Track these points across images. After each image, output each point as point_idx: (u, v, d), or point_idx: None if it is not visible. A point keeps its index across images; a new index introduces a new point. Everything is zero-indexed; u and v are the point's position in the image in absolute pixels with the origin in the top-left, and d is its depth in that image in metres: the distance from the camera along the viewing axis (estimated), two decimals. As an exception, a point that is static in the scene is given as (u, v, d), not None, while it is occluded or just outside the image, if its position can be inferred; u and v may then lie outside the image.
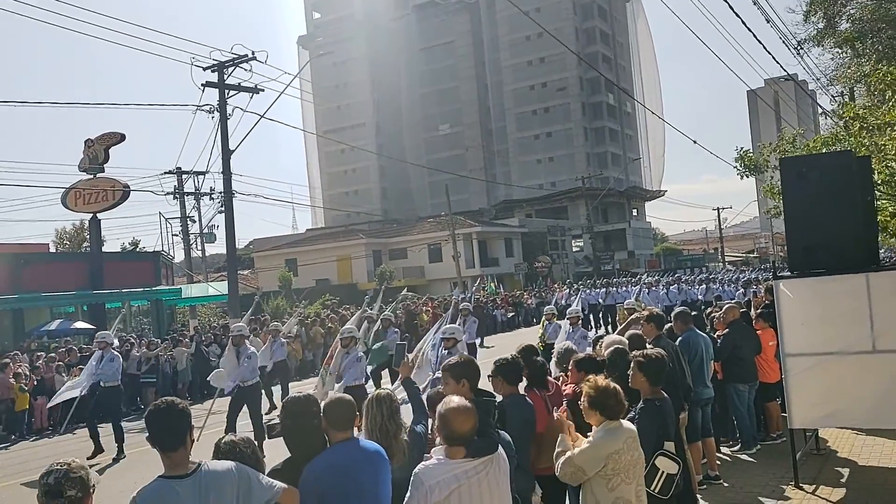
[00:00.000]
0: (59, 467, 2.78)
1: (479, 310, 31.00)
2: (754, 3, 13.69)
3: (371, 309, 15.08)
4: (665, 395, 4.84)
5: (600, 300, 26.15)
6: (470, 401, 3.64)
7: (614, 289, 27.67)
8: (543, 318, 13.42)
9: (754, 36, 14.52)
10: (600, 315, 26.62)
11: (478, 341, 17.77)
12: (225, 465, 3.09)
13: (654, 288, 27.14)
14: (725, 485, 7.12)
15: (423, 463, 3.44)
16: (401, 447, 3.89)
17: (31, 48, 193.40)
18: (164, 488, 2.91)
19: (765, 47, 14.98)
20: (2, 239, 60.18)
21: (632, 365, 4.89)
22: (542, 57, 76.68)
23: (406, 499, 3.37)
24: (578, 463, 4.01)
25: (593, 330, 23.03)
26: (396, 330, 14.11)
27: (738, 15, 12.49)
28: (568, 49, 48.12)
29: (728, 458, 8.08)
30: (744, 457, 8.09)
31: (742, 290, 24.29)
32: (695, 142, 22.09)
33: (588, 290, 27.82)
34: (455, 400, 3.53)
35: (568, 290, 29.08)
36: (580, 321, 11.90)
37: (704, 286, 27.22)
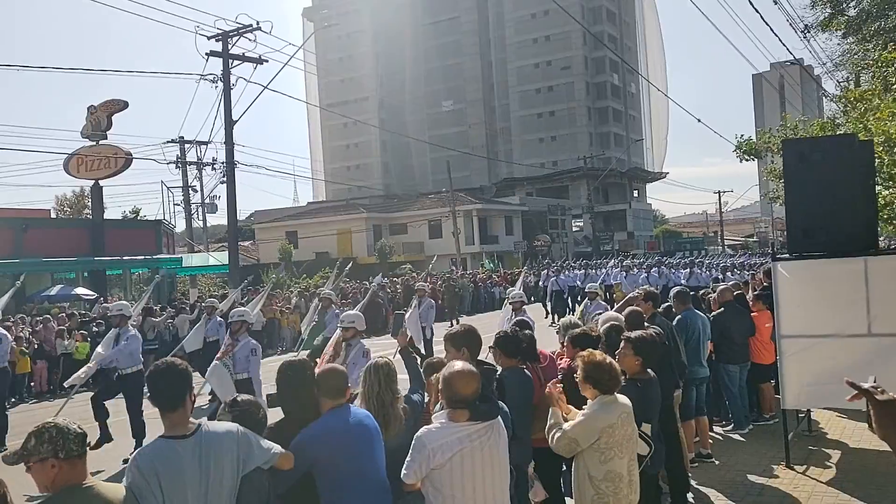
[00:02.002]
0: (62, 421, 2.76)
1: (467, 288, 30.35)
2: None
3: (328, 289, 14.29)
4: (651, 375, 4.90)
5: (578, 283, 25.06)
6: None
7: (593, 271, 26.72)
8: (586, 298, 12.65)
9: (761, 17, 14.47)
10: (578, 298, 25.61)
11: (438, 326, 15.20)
12: (225, 426, 3.14)
13: (632, 271, 26.73)
14: (717, 463, 7.23)
15: (425, 427, 3.50)
16: (398, 416, 3.93)
17: (37, 11, 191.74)
18: (165, 447, 2.95)
19: (772, 30, 14.94)
20: (3, 204, 60.08)
21: (622, 343, 4.95)
22: (547, 35, 76.09)
23: (407, 462, 3.43)
24: (572, 435, 4.08)
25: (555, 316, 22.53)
26: (338, 312, 11.90)
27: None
28: (578, 23, 47.72)
29: (721, 438, 8.19)
30: (735, 436, 8.20)
31: (721, 275, 23.44)
32: (699, 120, 22.00)
33: (566, 272, 27.20)
34: (458, 364, 3.60)
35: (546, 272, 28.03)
36: (523, 306, 10.30)
37: (688, 270, 25.83)
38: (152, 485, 2.85)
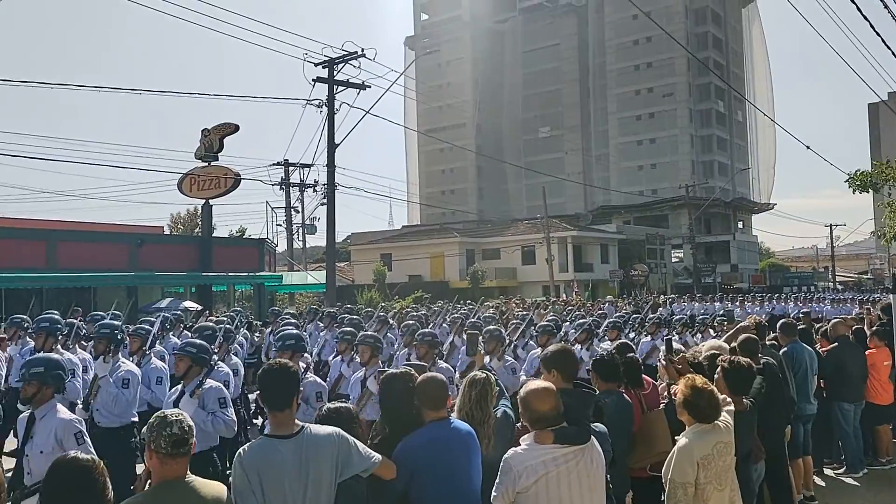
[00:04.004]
0: (175, 417, 2.87)
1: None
2: (884, 6, 12.91)
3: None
4: (746, 405, 4.64)
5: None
6: (562, 391, 3.63)
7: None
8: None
9: (883, 41, 13.71)
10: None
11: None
12: (327, 430, 3.19)
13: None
14: (826, 506, 6.79)
15: (512, 448, 3.45)
16: (487, 434, 3.84)
17: (155, 40, 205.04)
18: (268, 446, 3.02)
19: (894, 54, 14.11)
20: (121, 220, 64.05)
21: (717, 369, 4.73)
22: (649, 62, 74.86)
23: (496, 484, 3.38)
24: (678, 479, 3.83)
25: None
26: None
27: (865, 18, 11.82)
28: (684, 48, 46.67)
29: (832, 481, 7.68)
30: (848, 480, 7.68)
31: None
32: (808, 147, 20.68)
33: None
34: (534, 382, 3.54)
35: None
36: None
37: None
38: (253, 482, 2.92)
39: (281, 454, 2.99)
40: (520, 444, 3.45)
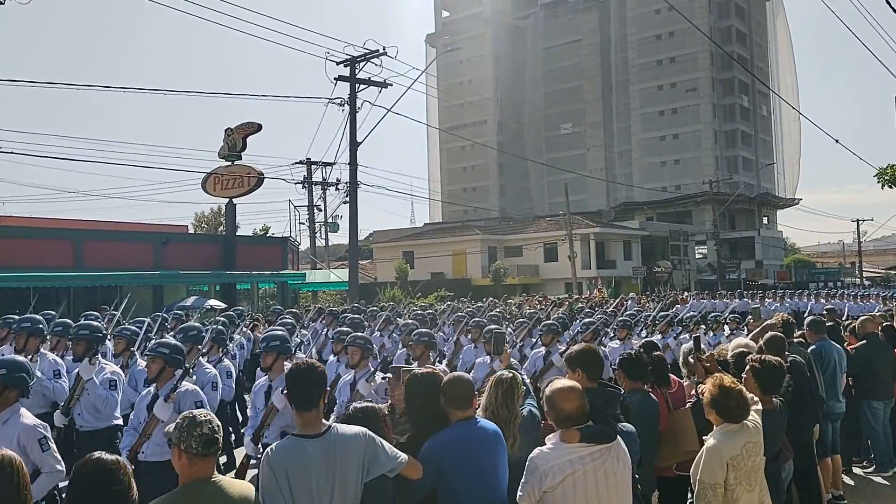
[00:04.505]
0: (204, 417, 2.89)
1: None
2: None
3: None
4: (776, 404, 4.58)
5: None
6: (588, 390, 3.61)
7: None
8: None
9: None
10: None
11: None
12: (354, 430, 3.19)
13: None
14: (856, 506, 6.69)
15: (538, 448, 3.44)
16: (513, 434, 3.83)
17: (179, 41, 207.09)
18: (296, 446, 3.04)
19: (923, 45, 13.82)
20: (146, 220, 64.81)
21: (746, 368, 4.68)
22: (672, 57, 74.19)
23: (521, 483, 3.37)
24: (707, 480, 3.80)
25: None
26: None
27: (894, 9, 11.60)
28: (710, 41, 46.21)
29: (861, 480, 7.58)
30: (878, 479, 7.57)
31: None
32: (836, 140, 20.37)
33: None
34: (560, 381, 3.53)
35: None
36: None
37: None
38: (280, 482, 2.94)
39: (308, 454, 3.01)
40: (545, 444, 3.44)
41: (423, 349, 6.87)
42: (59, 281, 21.58)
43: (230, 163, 28.01)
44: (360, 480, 3.10)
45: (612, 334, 10.08)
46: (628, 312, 12.94)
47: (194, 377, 6.07)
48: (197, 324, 8.47)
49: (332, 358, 8.03)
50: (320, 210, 41.54)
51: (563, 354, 4.86)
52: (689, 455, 4.31)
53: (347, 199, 25.58)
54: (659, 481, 4.76)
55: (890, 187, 16.27)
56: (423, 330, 7.49)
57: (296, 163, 36.50)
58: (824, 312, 11.46)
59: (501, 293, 35.50)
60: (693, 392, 5.08)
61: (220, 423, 2.91)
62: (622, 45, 78.43)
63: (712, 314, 14.04)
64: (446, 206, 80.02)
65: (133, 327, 7.78)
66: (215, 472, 2.89)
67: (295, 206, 41.27)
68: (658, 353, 5.35)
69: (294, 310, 16.79)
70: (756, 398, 4.31)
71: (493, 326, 7.67)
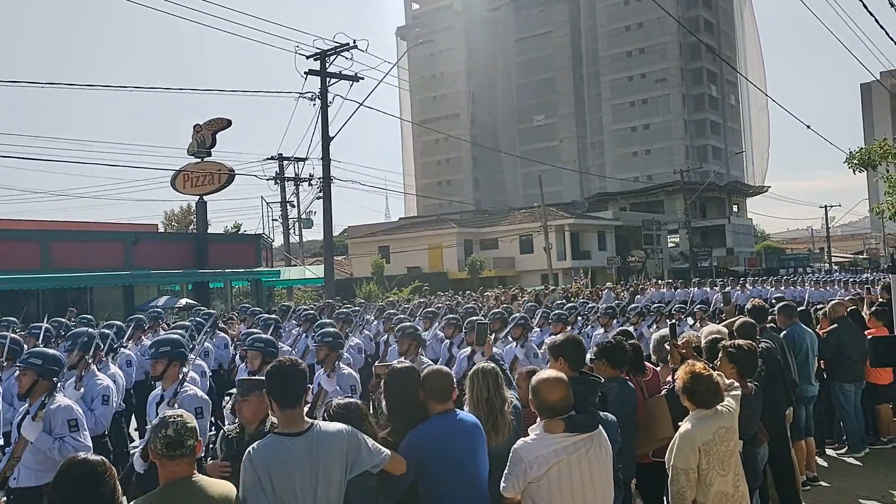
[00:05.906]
0: (174, 419, 2.85)
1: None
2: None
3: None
4: (751, 388, 4.64)
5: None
6: (569, 378, 3.62)
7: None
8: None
9: (876, 21, 13.68)
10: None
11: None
12: (336, 427, 3.17)
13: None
14: (830, 486, 6.81)
15: (521, 439, 3.44)
16: (507, 421, 3.86)
17: (143, 34, 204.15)
18: (278, 444, 3.01)
19: (888, 34, 14.07)
20: (114, 219, 63.98)
21: (720, 354, 4.73)
22: (641, 48, 74.75)
23: (505, 475, 3.39)
24: (680, 466, 3.85)
25: None
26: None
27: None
28: (683, 28, 46.60)
29: (834, 461, 7.72)
30: (850, 460, 7.72)
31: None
32: (808, 126, 20.60)
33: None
34: (545, 372, 3.54)
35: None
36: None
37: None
38: (263, 481, 2.90)
39: (291, 452, 2.98)
40: (528, 434, 3.45)
41: (410, 342, 6.82)
42: (27, 283, 21.19)
43: (200, 160, 27.65)
44: (343, 478, 3.08)
45: (590, 323, 10.21)
46: (606, 304, 13.02)
47: (81, 389, 5.31)
48: (89, 329, 7.26)
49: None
50: (293, 206, 41.23)
51: (544, 345, 4.86)
52: (664, 442, 4.36)
53: (321, 194, 25.41)
54: (638, 467, 4.79)
55: (859, 171, 16.56)
56: (407, 323, 7.41)
57: (267, 159, 36.14)
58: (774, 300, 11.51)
59: (478, 286, 35.55)
60: (668, 379, 5.13)
61: (193, 426, 2.86)
62: (592, 36, 78.80)
63: (678, 306, 14.09)
64: (421, 200, 79.96)
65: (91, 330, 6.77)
66: (195, 471, 2.86)
67: (268, 203, 40.90)
68: (633, 341, 5.37)
69: (275, 315, 16.30)
70: (735, 382, 4.36)
71: (475, 318, 7.57)
